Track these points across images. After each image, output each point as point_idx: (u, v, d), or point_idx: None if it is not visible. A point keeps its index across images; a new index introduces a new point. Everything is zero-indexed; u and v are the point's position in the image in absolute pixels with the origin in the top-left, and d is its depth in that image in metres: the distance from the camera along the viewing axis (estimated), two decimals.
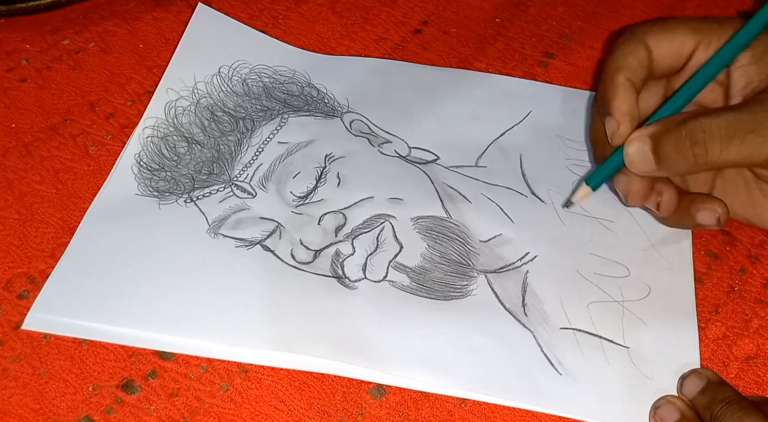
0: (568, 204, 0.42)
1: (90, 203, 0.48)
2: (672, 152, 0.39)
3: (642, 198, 0.42)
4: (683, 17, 0.43)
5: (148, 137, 0.50)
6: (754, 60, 0.41)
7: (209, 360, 0.42)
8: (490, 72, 0.56)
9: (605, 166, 0.42)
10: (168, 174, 0.49)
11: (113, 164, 0.50)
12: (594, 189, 0.43)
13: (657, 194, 0.42)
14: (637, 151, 0.39)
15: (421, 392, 0.41)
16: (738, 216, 0.45)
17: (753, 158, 0.38)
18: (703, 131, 0.38)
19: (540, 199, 0.48)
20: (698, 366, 0.42)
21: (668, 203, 0.42)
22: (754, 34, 0.39)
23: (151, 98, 0.52)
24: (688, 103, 0.41)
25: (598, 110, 0.44)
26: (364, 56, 0.57)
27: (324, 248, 0.45)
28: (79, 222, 0.47)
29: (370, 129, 0.52)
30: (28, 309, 0.43)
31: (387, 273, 0.44)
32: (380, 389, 0.41)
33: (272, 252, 0.45)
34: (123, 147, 0.51)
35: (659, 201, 0.42)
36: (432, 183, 0.49)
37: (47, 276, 0.44)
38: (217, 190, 0.48)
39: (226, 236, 0.46)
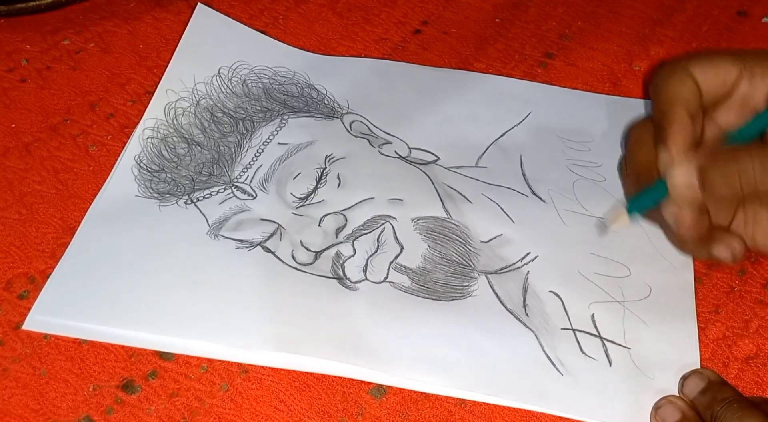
0: (601, 228, 0.41)
1: (90, 203, 0.48)
2: (717, 180, 0.39)
3: (692, 227, 0.41)
4: (725, 48, 0.43)
5: (147, 138, 0.50)
6: None
7: (209, 361, 0.42)
8: (490, 72, 0.56)
9: (649, 193, 0.41)
10: (168, 175, 0.49)
11: (113, 164, 0.50)
12: (632, 216, 0.41)
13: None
14: (685, 178, 0.39)
15: (421, 392, 0.41)
16: (760, 246, 0.43)
17: None
18: (752, 166, 0.38)
19: (541, 199, 0.49)
20: (698, 366, 0.42)
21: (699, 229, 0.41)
22: None
23: (150, 98, 0.52)
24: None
25: (655, 140, 0.42)
26: (364, 57, 0.57)
27: (324, 249, 0.45)
28: (79, 223, 0.47)
29: (370, 130, 0.52)
30: (29, 309, 0.43)
31: (388, 274, 0.44)
32: (380, 389, 0.41)
33: (273, 253, 0.45)
34: (123, 147, 0.51)
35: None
36: (432, 183, 0.49)
37: (47, 277, 0.44)
38: (218, 192, 0.48)
39: (226, 237, 0.46)
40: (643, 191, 0.42)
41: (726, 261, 0.42)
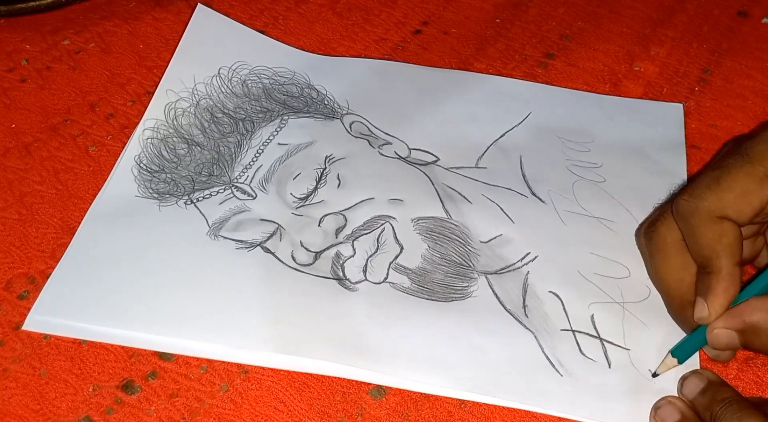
0: (654, 375, 0.41)
1: (90, 204, 0.48)
2: (762, 346, 0.39)
3: (732, 357, 0.42)
4: (740, 165, 0.39)
5: (147, 139, 0.50)
6: None
7: (209, 361, 0.42)
8: (491, 73, 0.56)
9: (691, 341, 0.41)
10: (168, 176, 0.49)
11: (113, 164, 0.50)
12: (680, 362, 0.41)
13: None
14: (727, 339, 0.39)
15: (421, 393, 0.41)
16: None
17: None
18: None
19: (540, 200, 0.49)
20: (698, 367, 0.42)
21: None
22: None
23: (150, 99, 0.52)
24: None
25: (696, 283, 0.40)
26: (364, 57, 0.57)
27: (324, 250, 0.45)
28: (79, 223, 0.47)
29: (370, 130, 0.52)
30: (29, 309, 0.43)
31: (387, 274, 0.44)
32: (380, 390, 0.41)
33: (272, 253, 0.45)
34: (123, 147, 0.51)
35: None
36: (432, 184, 0.49)
37: (47, 277, 0.44)
38: (218, 192, 0.48)
39: (226, 238, 0.46)
40: (686, 338, 0.41)
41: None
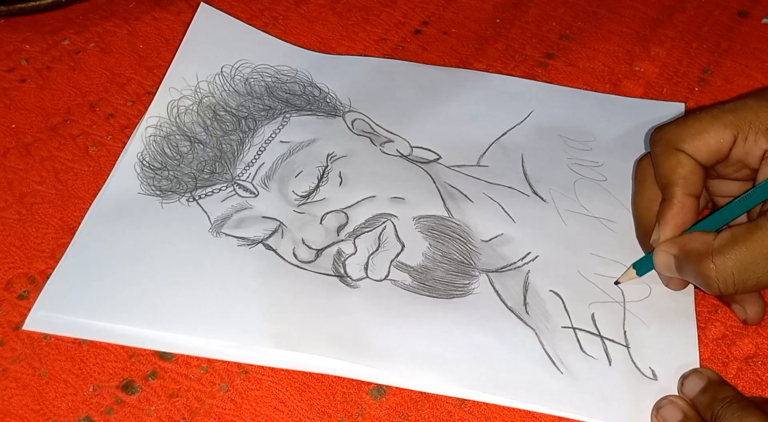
0: (616, 283, 0.44)
1: (90, 203, 0.48)
2: (689, 276, 0.41)
3: (681, 285, 0.44)
4: (712, 110, 0.42)
5: (150, 136, 0.50)
6: None
7: (209, 361, 0.42)
8: (491, 72, 0.56)
9: (649, 258, 0.43)
10: (170, 173, 0.49)
11: (113, 164, 0.50)
12: (639, 275, 0.44)
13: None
14: (664, 261, 0.42)
15: (421, 392, 0.41)
16: None
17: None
18: (716, 272, 0.39)
19: (542, 199, 0.49)
20: (698, 366, 0.42)
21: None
22: None
23: (151, 99, 0.52)
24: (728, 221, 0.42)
25: (659, 214, 0.43)
26: (366, 56, 0.57)
27: (326, 247, 0.45)
28: (80, 223, 0.47)
29: (372, 128, 0.52)
30: (29, 309, 0.43)
31: (389, 272, 0.44)
32: (380, 389, 0.41)
33: (274, 251, 0.45)
34: (123, 147, 0.51)
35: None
36: (434, 182, 0.49)
37: (47, 277, 0.44)
38: (220, 189, 0.48)
39: (228, 235, 0.46)
40: (646, 256, 0.44)
41: (741, 318, 0.44)
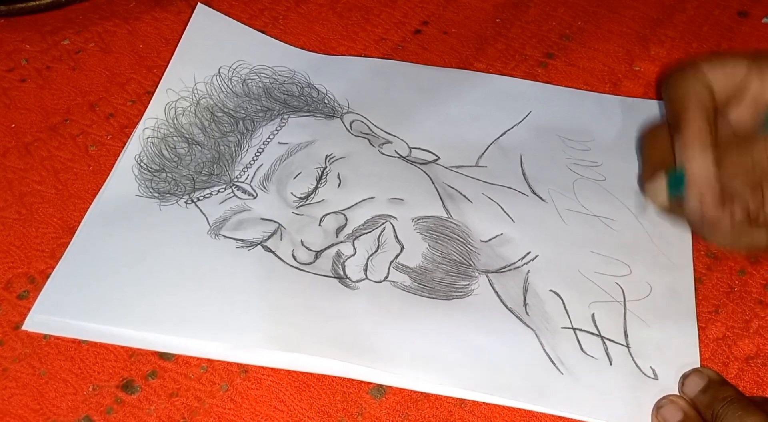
0: (642, 207, 0.44)
1: (90, 203, 0.48)
2: (736, 170, 0.40)
3: (714, 216, 0.41)
4: (734, 49, 0.44)
5: (148, 138, 0.50)
6: None
7: (209, 361, 0.42)
8: (491, 72, 0.56)
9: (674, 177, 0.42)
10: (168, 175, 0.49)
11: (113, 164, 0.50)
12: (673, 192, 0.42)
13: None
14: (702, 171, 0.40)
15: (421, 392, 0.41)
16: None
17: None
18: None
19: (541, 199, 0.48)
20: (698, 365, 0.42)
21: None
22: None
23: (151, 98, 0.52)
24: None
25: (673, 142, 0.42)
26: (365, 56, 0.57)
27: (325, 249, 0.45)
28: (79, 223, 0.47)
29: (371, 129, 0.52)
30: (28, 309, 0.43)
31: (388, 273, 0.44)
32: (380, 389, 0.41)
33: (273, 252, 0.45)
34: (123, 147, 0.51)
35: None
36: (432, 183, 0.49)
37: (47, 277, 0.44)
38: (218, 191, 0.48)
39: (227, 237, 0.46)
40: (672, 172, 0.42)
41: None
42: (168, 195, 0.48)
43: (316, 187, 0.48)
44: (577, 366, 0.41)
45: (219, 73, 0.54)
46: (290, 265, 0.45)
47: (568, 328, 0.43)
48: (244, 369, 0.41)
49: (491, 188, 0.49)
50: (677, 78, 0.43)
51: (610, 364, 0.42)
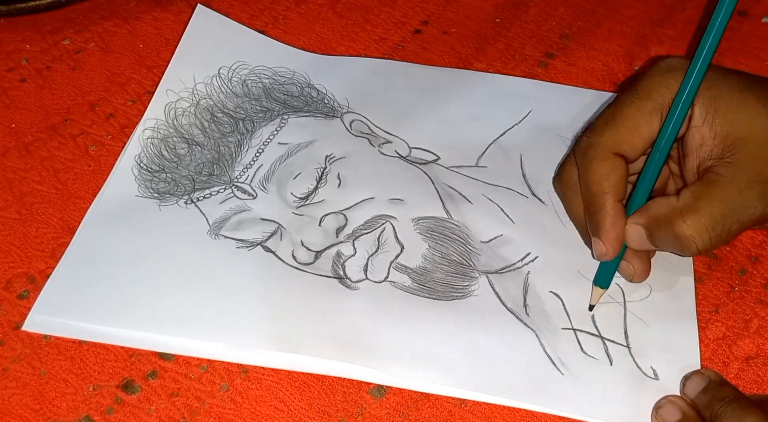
0: (590, 308, 0.43)
1: (90, 203, 0.48)
2: (664, 242, 0.41)
3: (645, 273, 0.44)
4: (629, 101, 0.41)
5: (147, 138, 0.50)
6: (701, 120, 0.41)
7: (209, 361, 0.42)
8: (491, 72, 0.56)
9: (607, 267, 0.43)
10: (168, 175, 0.49)
11: (113, 164, 0.50)
12: (605, 287, 0.44)
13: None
14: (636, 235, 0.41)
15: (421, 392, 0.41)
16: None
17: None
18: (691, 231, 0.39)
19: (540, 200, 0.48)
20: (699, 366, 0.42)
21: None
22: (688, 102, 0.40)
23: (150, 98, 0.52)
24: (655, 179, 0.42)
25: (588, 225, 0.43)
26: (364, 56, 0.57)
27: (325, 249, 0.45)
28: (79, 223, 0.47)
29: (371, 129, 0.52)
30: (29, 309, 0.43)
31: (388, 273, 0.44)
32: (380, 389, 0.41)
33: (273, 253, 0.45)
34: (123, 147, 0.51)
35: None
36: (432, 183, 0.49)
37: (47, 277, 0.44)
38: (218, 192, 0.48)
39: (226, 237, 0.46)
40: (600, 266, 0.44)
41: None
42: (168, 195, 0.48)
43: (316, 187, 0.48)
44: (577, 367, 0.41)
45: (219, 73, 0.54)
46: (290, 265, 0.45)
47: (569, 329, 0.43)
48: (244, 369, 0.41)
49: (491, 189, 0.49)
50: (591, 160, 0.42)
51: (611, 364, 0.42)
